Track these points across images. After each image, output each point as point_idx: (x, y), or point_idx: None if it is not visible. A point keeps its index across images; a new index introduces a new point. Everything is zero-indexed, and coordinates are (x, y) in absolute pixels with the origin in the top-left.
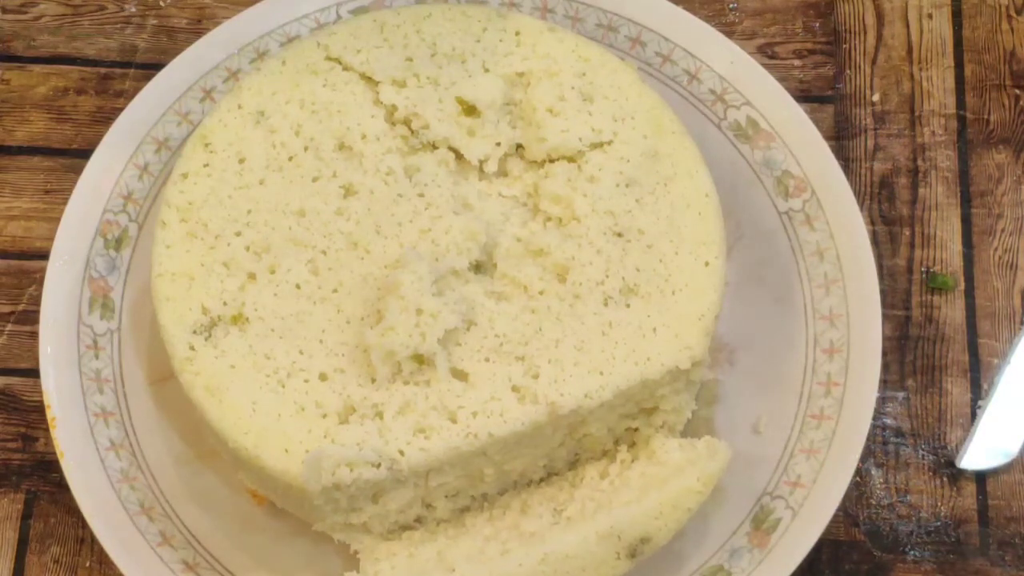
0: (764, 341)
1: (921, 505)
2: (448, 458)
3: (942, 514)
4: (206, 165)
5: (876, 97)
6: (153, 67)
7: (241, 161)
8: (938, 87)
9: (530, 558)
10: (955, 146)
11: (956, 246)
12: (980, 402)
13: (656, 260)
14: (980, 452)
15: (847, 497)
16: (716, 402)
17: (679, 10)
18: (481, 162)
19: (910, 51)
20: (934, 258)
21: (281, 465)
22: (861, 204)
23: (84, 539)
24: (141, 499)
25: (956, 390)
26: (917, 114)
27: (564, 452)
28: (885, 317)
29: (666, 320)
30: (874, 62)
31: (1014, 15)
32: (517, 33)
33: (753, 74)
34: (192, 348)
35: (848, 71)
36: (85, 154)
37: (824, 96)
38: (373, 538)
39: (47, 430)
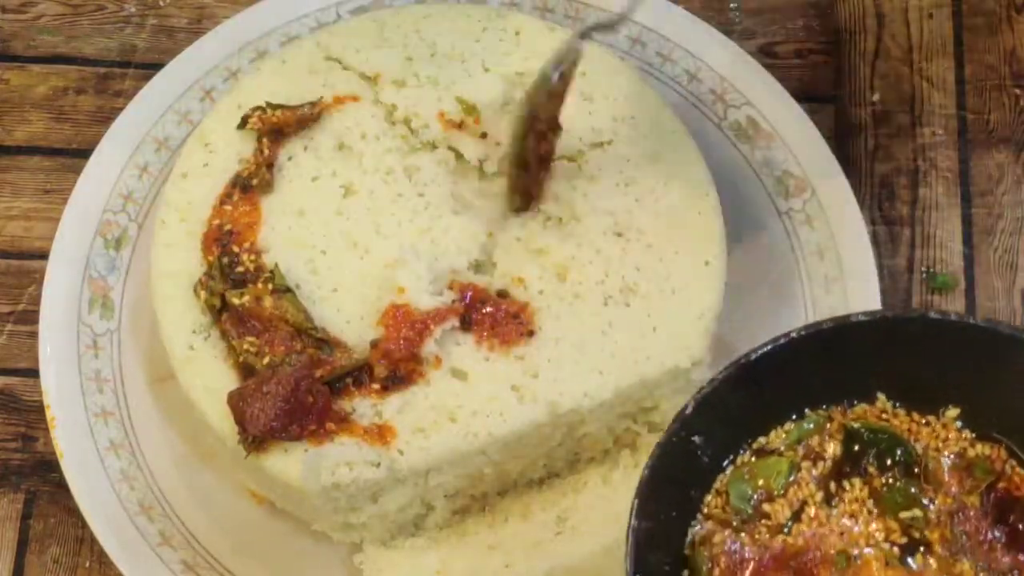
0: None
1: None
2: (448, 457)
3: None
4: (206, 165)
5: (876, 97)
6: (153, 67)
7: (241, 161)
8: (938, 87)
9: (534, 572)
10: (955, 146)
11: (956, 246)
12: None
13: (656, 259)
14: None
15: None
16: None
17: (679, 10)
18: (481, 162)
19: (910, 51)
20: (934, 258)
21: (280, 465)
22: (861, 204)
23: (84, 539)
24: (141, 499)
25: None
26: (917, 114)
27: (564, 452)
28: None
29: (666, 319)
30: (874, 62)
31: (1014, 15)
32: (517, 33)
33: (753, 74)
34: (192, 348)
35: (848, 71)
36: (85, 154)
37: (824, 96)
38: (375, 547)
39: (47, 430)
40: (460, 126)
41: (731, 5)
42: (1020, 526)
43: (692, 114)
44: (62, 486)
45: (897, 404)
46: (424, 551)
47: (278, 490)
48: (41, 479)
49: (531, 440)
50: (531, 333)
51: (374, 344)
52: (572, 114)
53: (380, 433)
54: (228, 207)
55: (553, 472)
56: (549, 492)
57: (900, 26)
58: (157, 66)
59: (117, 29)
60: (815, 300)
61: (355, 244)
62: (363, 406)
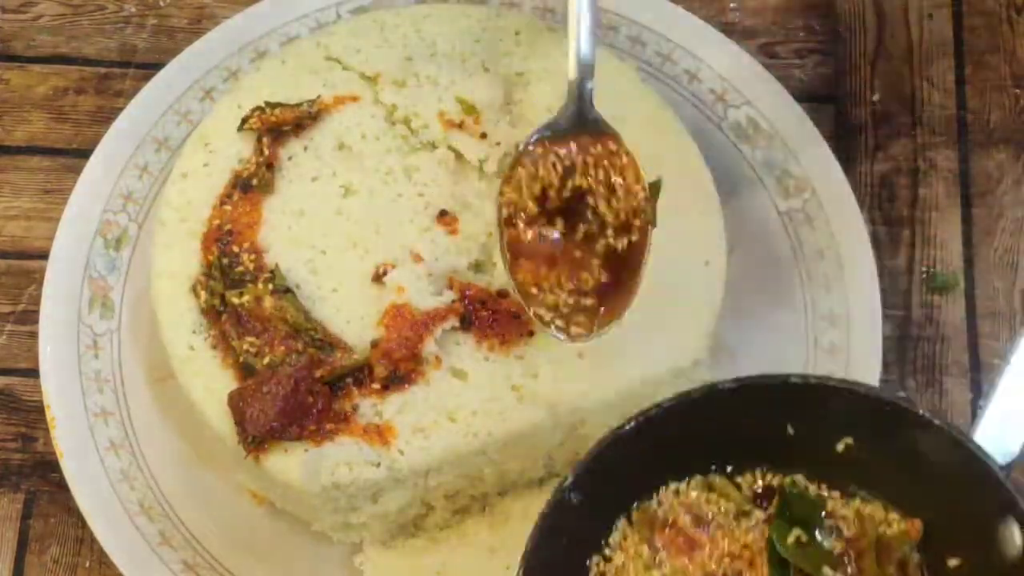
0: (764, 341)
1: None
2: (448, 457)
3: None
4: (206, 165)
5: (876, 97)
6: (153, 67)
7: (241, 161)
8: (938, 87)
9: None
10: (955, 146)
11: (956, 246)
12: (980, 402)
13: (656, 259)
14: None
15: None
16: None
17: (679, 10)
18: (481, 162)
19: (910, 51)
20: (934, 258)
21: (280, 465)
22: (861, 204)
23: (84, 539)
24: (141, 499)
25: (956, 390)
26: (917, 114)
27: (564, 452)
28: (885, 317)
29: (665, 319)
30: (874, 62)
31: (1014, 15)
32: (517, 33)
33: (753, 74)
34: (192, 348)
35: (848, 71)
36: (85, 154)
37: (824, 96)
38: (375, 548)
39: (47, 430)
40: (460, 126)
41: (731, 5)
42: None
43: (692, 114)
44: (62, 486)
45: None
46: (424, 552)
47: (278, 490)
48: (41, 479)
49: (531, 440)
50: (531, 333)
51: (374, 344)
52: None
53: (380, 433)
54: (228, 207)
55: (553, 472)
56: (550, 492)
57: (900, 26)
58: (157, 66)
59: (117, 29)
60: (815, 300)
61: (355, 244)
62: (363, 406)
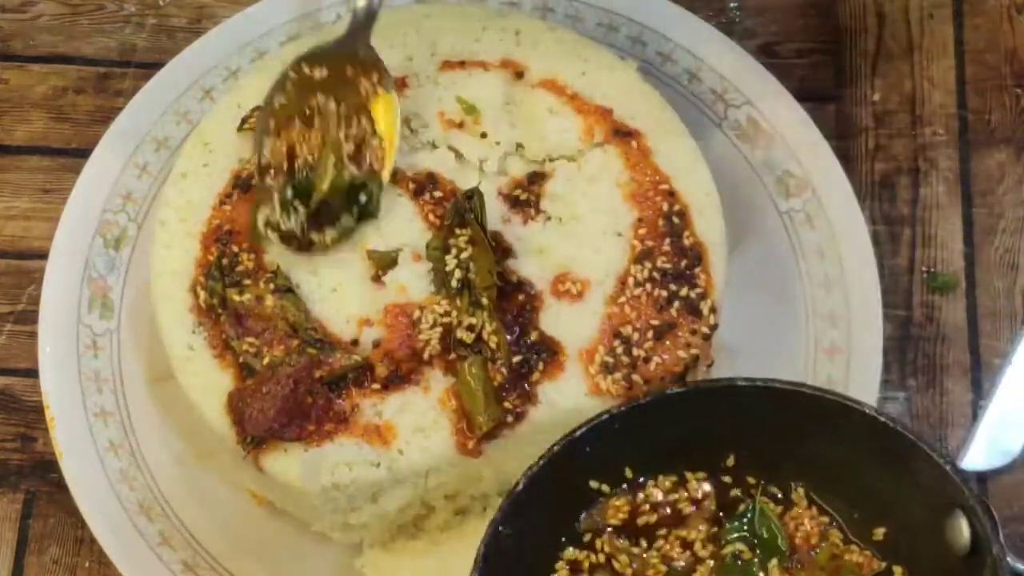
0: (764, 341)
1: None
2: (448, 457)
3: None
4: (205, 165)
5: (876, 97)
6: (152, 66)
7: (241, 161)
8: (939, 87)
9: None
10: (956, 146)
11: (957, 246)
12: (981, 402)
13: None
14: (981, 452)
15: None
16: None
17: (680, 9)
18: (481, 162)
19: (911, 51)
20: (935, 258)
21: (280, 465)
22: (862, 204)
23: (83, 539)
24: (140, 499)
25: (957, 390)
26: (918, 114)
27: None
28: (886, 317)
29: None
30: (875, 62)
31: (1015, 15)
32: (517, 32)
33: (754, 73)
34: (191, 348)
35: (848, 71)
36: (84, 154)
37: (824, 96)
38: (376, 550)
39: (46, 430)
40: (460, 126)
41: (731, 4)
42: None
43: (692, 114)
44: (62, 486)
45: None
46: (425, 554)
47: (278, 490)
48: (41, 479)
49: (531, 440)
50: None
51: (376, 344)
52: (572, 113)
53: (380, 433)
54: (228, 207)
55: None
56: None
57: (901, 25)
58: (157, 66)
59: (117, 29)
60: (815, 300)
61: (355, 244)
62: (363, 406)
